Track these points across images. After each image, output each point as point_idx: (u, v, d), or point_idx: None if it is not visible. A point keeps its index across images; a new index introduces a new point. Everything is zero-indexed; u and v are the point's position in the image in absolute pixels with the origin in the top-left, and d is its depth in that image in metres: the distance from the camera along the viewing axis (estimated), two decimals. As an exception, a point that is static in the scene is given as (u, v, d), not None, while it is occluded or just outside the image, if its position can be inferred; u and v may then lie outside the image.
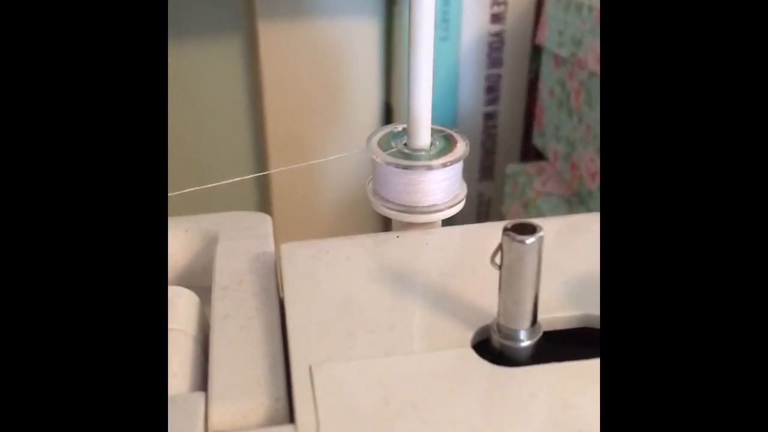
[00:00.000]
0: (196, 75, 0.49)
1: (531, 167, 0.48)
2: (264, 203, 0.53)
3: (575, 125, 0.43)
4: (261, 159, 0.53)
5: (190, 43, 0.48)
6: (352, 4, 0.47)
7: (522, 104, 0.51)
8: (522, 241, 0.14)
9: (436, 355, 0.16)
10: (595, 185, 0.41)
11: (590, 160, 0.41)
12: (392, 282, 0.18)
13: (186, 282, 0.21)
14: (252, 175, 0.23)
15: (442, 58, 0.49)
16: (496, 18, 0.48)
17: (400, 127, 0.21)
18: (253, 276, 0.19)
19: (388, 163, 0.20)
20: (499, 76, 0.50)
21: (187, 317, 0.18)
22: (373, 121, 0.52)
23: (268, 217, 0.23)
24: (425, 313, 0.17)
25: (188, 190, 0.22)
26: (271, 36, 0.47)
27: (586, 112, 0.41)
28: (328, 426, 0.14)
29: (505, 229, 0.15)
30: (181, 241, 0.22)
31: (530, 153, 0.52)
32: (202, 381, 0.17)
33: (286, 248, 0.19)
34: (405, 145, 0.20)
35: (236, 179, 0.25)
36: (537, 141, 0.49)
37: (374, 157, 0.20)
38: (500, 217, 0.52)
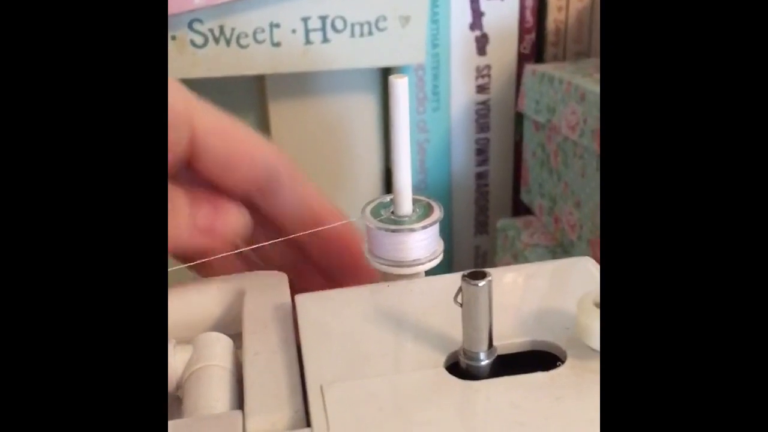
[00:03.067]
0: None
1: (519, 221, 0.53)
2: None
3: (555, 182, 0.48)
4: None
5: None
6: (352, 84, 0.53)
7: (510, 164, 0.57)
8: (475, 284, 0.19)
9: (417, 374, 0.20)
10: (575, 235, 0.46)
11: (569, 213, 0.46)
12: (385, 321, 0.23)
13: (221, 329, 0.26)
14: (251, 247, 0.28)
15: (435, 126, 0.54)
16: (481, 88, 0.54)
17: (388, 198, 0.26)
18: (275, 322, 0.24)
19: (379, 228, 0.25)
20: (487, 140, 0.56)
21: (224, 355, 0.23)
22: (376, 184, 0.57)
23: (284, 275, 0.28)
24: (409, 344, 0.22)
25: (201, 260, 0.27)
26: (281, 113, 0.53)
27: (563, 171, 0.46)
28: (337, 427, 0.19)
29: (463, 276, 0.20)
30: (215, 297, 0.27)
31: (520, 207, 0.57)
32: (239, 403, 0.22)
33: (299, 299, 0.24)
34: (392, 212, 0.26)
35: (246, 249, 0.30)
36: (524, 197, 0.54)
37: (368, 224, 0.25)
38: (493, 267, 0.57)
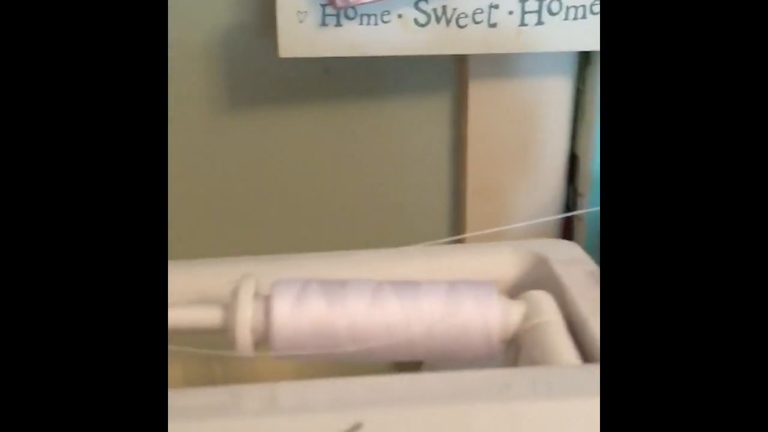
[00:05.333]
0: (404, 127, 0.56)
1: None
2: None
3: None
4: (459, 198, 0.59)
5: (402, 100, 0.56)
6: (550, 66, 0.54)
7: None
8: None
9: None
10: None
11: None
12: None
13: (514, 289, 0.27)
14: (473, 234, 0.29)
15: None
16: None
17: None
18: (593, 283, 0.25)
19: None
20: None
21: (556, 312, 0.25)
22: (560, 169, 0.58)
23: (576, 245, 0.29)
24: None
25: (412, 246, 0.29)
26: (481, 93, 0.54)
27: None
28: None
29: None
30: (512, 260, 0.29)
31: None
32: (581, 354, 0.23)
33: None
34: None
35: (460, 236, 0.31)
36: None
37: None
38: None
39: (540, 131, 0.56)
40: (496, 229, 0.30)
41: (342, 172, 0.57)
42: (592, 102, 0.55)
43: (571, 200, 0.58)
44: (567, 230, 0.59)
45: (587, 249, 0.54)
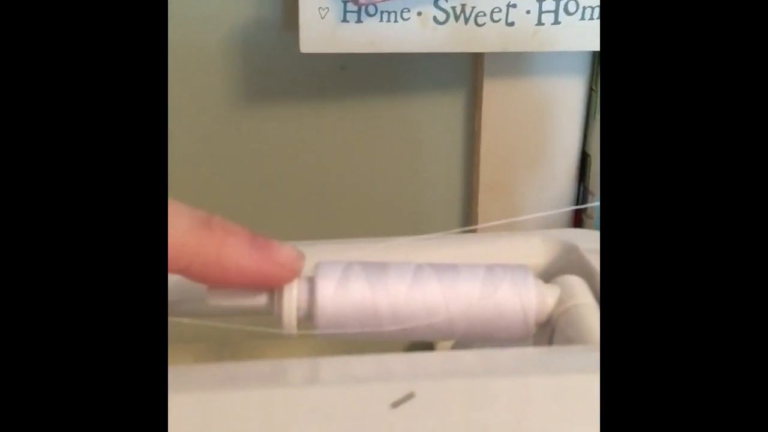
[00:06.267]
0: (418, 123, 0.57)
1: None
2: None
3: None
4: (471, 194, 0.60)
5: (417, 97, 0.57)
6: (564, 65, 0.55)
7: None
8: None
9: None
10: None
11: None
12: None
13: (550, 277, 0.28)
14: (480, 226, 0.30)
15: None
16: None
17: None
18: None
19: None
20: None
21: (589, 295, 0.25)
22: (572, 166, 0.59)
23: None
24: None
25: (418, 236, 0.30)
26: (495, 91, 0.55)
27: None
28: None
29: None
30: (542, 248, 0.29)
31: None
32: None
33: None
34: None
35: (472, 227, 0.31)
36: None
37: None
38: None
39: (552, 129, 0.57)
40: (506, 220, 0.30)
41: (357, 167, 0.58)
42: (605, 101, 0.56)
43: (581, 198, 0.59)
44: (577, 225, 0.60)
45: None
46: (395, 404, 0.19)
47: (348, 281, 0.24)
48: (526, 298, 0.24)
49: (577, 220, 0.60)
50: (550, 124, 0.57)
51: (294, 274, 0.24)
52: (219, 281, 0.24)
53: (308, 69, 0.53)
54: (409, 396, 0.19)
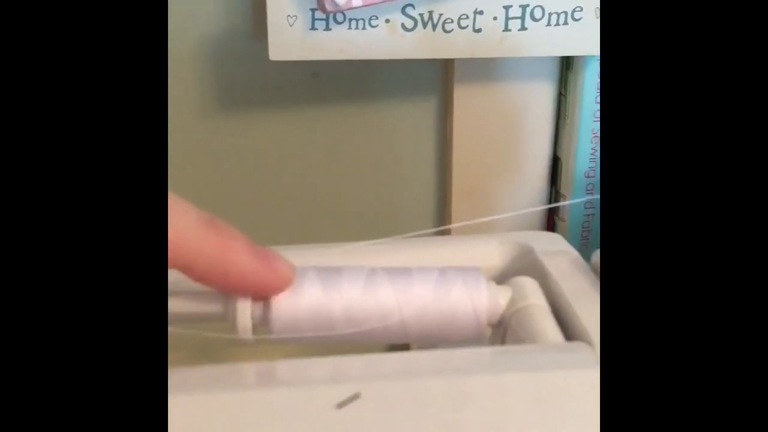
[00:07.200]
0: (391, 130, 0.58)
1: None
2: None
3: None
4: (445, 200, 0.61)
5: (389, 103, 0.57)
6: (533, 71, 0.56)
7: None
8: None
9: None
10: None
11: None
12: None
13: (506, 278, 0.29)
14: (450, 226, 0.30)
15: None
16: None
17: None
18: (577, 272, 0.27)
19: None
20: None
21: (541, 296, 0.26)
22: (543, 170, 0.59)
23: (560, 236, 0.30)
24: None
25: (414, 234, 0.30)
26: (466, 97, 0.56)
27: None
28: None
29: None
30: (499, 250, 0.30)
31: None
32: (564, 335, 0.24)
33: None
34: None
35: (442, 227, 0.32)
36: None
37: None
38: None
39: (523, 134, 0.58)
40: (480, 219, 0.31)
41: (330, 173, 0.58)
42: (574, 106, 0.56)
43: (553, 201, 0.60)
44: (550, 229, 0.60)
45: (570, 244, 0.56)
46: (340, 405, 0.19)
47: (302, 286, 0.24)
48: (477, 299, 0.24)
49: (550, 223, 0.60)
50: (521, 129, 0.58)
51: (287, 283, 0.25)
52: (218, 283, 0.24)
53: (281, 77, 0.54)
54: (355, 396, 0.19)
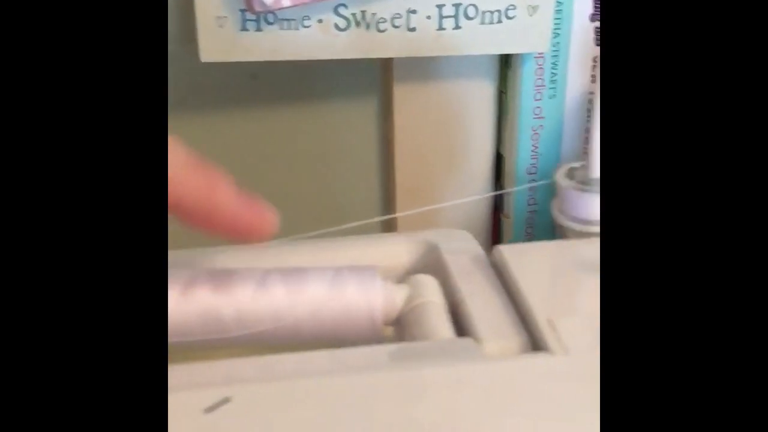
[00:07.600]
0: (332, 130, 0.58)
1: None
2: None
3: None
4: (389, 199, 0.61)
5: (330, 104, 0.57)
6: (471, 69, 0.56)
7: (619, 152, 0.58)
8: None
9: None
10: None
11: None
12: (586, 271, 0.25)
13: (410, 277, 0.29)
14: (393, 216, 0.30)
15: (551, 113, 0.56)
16: (595, 78, 0.56)
17: (578, 164, 0.29)
18: (478, 270, 0.27)
19: (572, 188, 0.27)
20: (598, 128, 0.57)
21: (438, 294, 0.26)
22: (486, 167, 0.59)
23: (468, 233, 0.30)
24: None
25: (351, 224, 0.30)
26: (406, 96, 0.56)
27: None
28: (575, 351, 0.21)
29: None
30: (406, 249, 0.30)
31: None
32: (457, 333, 0.24)
33: (504, 249, 0.27)
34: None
35: (386, 217, 0.32)
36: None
37: (561, 183, 0.28)
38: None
39: (465, 132, 0.58)
40: (426, 207, 0.31)
41: (273, 174, 0.58)
42: (514, 103, 0.56)
43: (497, 197, 0.60)
44: (495, 225, 0.61)
45: (515, 240, 0.56)
46: (209, 409, 0.19)
47: (193, 289, 0.24)
48: (372, 298, 0.24)
49: (495, 221, 0.61)
50: (463, 127, 0.58)
51: (270, 230, 0.25)
52: (203, 221, 0.24)
53: (218, 79, 0.53)
54: (224, 401, 0.19)
